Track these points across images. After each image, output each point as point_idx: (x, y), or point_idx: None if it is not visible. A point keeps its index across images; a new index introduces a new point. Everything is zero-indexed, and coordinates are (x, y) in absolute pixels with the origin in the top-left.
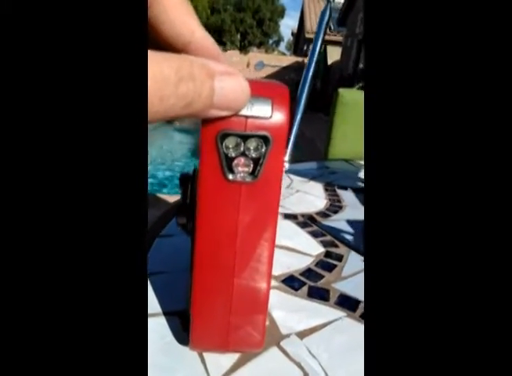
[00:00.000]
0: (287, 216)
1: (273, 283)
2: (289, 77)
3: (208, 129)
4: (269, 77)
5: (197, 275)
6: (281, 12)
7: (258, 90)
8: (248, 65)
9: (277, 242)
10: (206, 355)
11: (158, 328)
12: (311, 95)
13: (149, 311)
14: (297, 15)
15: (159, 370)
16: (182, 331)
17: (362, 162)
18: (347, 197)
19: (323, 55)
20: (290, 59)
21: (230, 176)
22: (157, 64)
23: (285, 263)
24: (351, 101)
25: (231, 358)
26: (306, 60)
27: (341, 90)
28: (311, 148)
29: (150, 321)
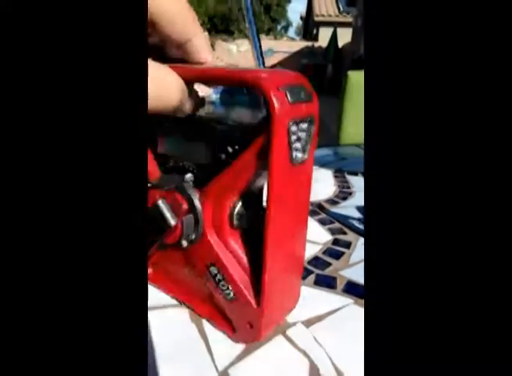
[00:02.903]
0: None
1: None
2: (301, 62)
3: (281, 119)
4: (280, 63)
5: (270, 260)
6: None
7: (289, 79)
8: None
9: None
10: (212, 344)
11: (166, 319)
12: (322, 78)
13: (156, 304)
14: None
15: (165, 361)
16: (191, 322)
17: None
18: (357, 182)
19: (333, 38)
20: (299, 44)
21: (293, 161)
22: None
23: None
24: (362, 84)
25: (237, 348)
26: (316, 44)
27: (350, 72)
28: (325, 133)
29: (159, 313)
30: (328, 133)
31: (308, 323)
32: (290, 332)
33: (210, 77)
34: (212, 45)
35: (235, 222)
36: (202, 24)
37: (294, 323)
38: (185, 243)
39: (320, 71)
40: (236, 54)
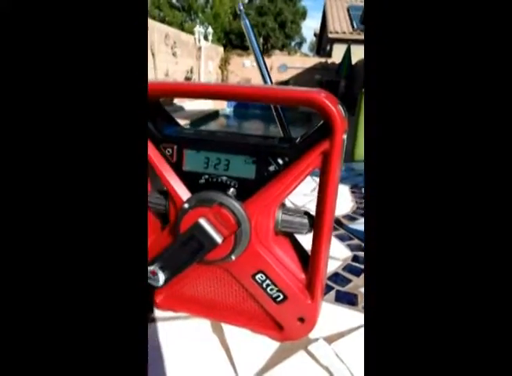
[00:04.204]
0: None
1: None
2: (314, 77)
3: (340, 132)
4: (293, 78)
5: (322, 258)
6: (303, 14)
7: (335, 97)
8: (271, 68)
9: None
10: (234, 355)
11: (189, 330)
12: (335, 94)
13: (177, 315)
14: (319, 15)
15: (187, 372)
16: (212, 333)
17: None
18: None
19: (347, 55)
20: (313, 60)
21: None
22: None
23: None
24: None
25: (260, 359)
26: (330, 60)
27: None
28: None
29: (179, 324)
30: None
31: (330, 339)
32: (311, 348)
33: (264, 97)
34: (227, 60)
35: (279, 227)
36: (218, 40)
37: (316, 339)
38: (234, 257)
39: (333, 87)
40: (250, 68)
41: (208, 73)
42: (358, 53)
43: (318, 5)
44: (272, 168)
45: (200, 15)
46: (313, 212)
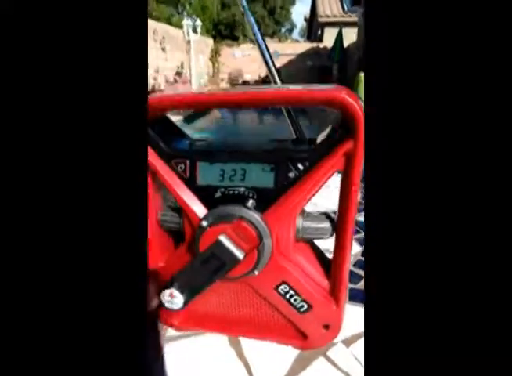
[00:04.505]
0: None
1: None
2: (306, 63)
3: (362, 142)
4: (286, 65)
5: (346, 264)
6: (292, 0)
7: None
8: None
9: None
10: (253, 368)
11: (204, 344)
12: (328, 79)
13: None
14: (309, 0)
15: None
16: (229, 346)
17: None
18: None
19: (339, 38)
20: (304, 46)
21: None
22: None
23: None
24: None
25: (279, 370)
26: (321, 45)
27: (362, 74)
28: None
29: (197, 338)
30: None
31: (348, 342)
32: (330, 353)
33: (282, 100)
34: (218, 51)
35: (300, 235)
36: (207, 31)
37: (335, 343)
38: (257, 272)
39: (326, 72)
40: (240, 58)
41: (199, 67)
42: (349, 36)
43: None
44: (291, 175)
45: (188, 7)
46: (324, 209)
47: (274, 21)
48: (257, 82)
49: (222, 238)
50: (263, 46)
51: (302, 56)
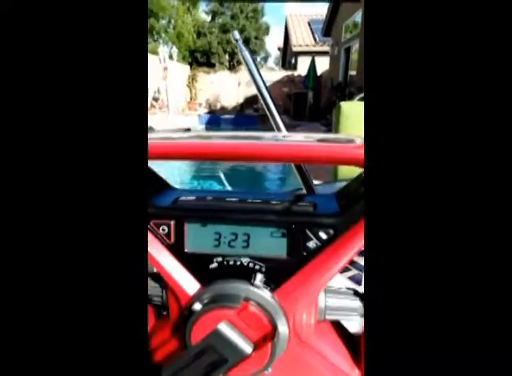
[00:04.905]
0: None
1: None
2: (282, 90)
3: None
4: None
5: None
6: (266, 30)
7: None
8: (240, 83)
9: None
10: None
11: None
12: (304, 106)
13: None
14: (282, 30)
15: None
16: None
17: None
18: None
19: (312, 66)
20: (279, 74)
21: None
22: None
23: None
24: (355, 114)
25: None
26: (296, 73)
27: (343, 103)
28: (316, 169)
29: None
30: (321, 169)
31: None
32: None
33: (297, 158)
34: (195, 78)
35: (323, 317)
36: (183, 58)
37: None
38: (270, 369)
39: (301, 99)
40: (217, 84)
41: (176, 92)
42: (322, 65)
43: (281, 19)
44: (311, 245)
45: (163, 35)
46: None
47: (249, 50)
48: (235, 108)
49: (223, 327)
50: (261, 85)
51: (278, 83)
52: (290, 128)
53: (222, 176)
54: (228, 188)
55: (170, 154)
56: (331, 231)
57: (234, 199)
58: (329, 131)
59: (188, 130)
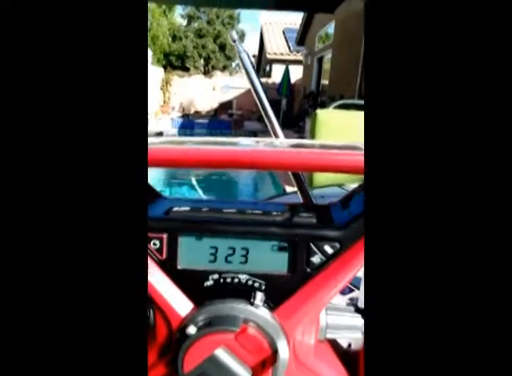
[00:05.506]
0: None
1: None
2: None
3: None
4: (237, 98)
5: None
6: (241, 37)
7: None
8: (214, 88)
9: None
10: None
11: None
12: (277, 113)
13: None
14: (257, 37)
15: None
16: None
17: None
18: None
19: (286, 74)
20: None
21: None
22: None
23: None
24: (331, 122)
25: None
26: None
27: (319, 111)
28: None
29: None
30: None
31: None
32: None
33: (304, 166)
34: (169, 82)
35: (323, 336)
36: (158, 61)
37: None
38: None
39: (275, 106)
40: (192, 88)
41: (149, 95)
42: (295, 73)
43: (256, 27)
44: (315, 260)
45: None
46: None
47: (225, 56)
48: (208, 113)
49: (220, 354)
50: (259, 88)
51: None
52: (262, 134)
53: (195, 182)
54: (202, 194)
55: (159, 163)
56: (337, 245)
57: (232, 210)
58: (300, 138)
59: (160, 134)
